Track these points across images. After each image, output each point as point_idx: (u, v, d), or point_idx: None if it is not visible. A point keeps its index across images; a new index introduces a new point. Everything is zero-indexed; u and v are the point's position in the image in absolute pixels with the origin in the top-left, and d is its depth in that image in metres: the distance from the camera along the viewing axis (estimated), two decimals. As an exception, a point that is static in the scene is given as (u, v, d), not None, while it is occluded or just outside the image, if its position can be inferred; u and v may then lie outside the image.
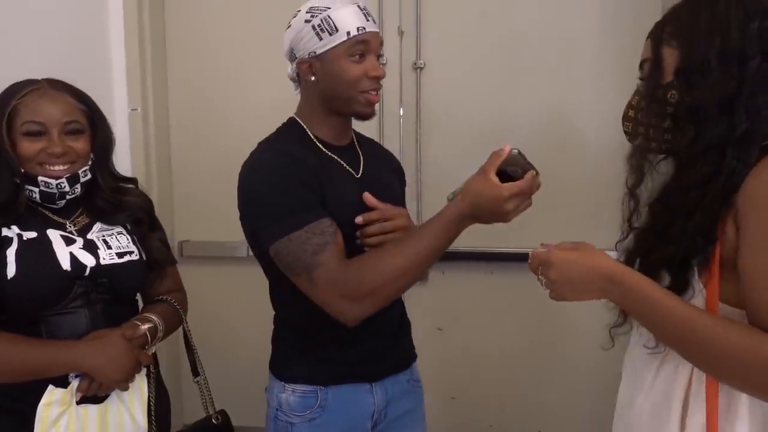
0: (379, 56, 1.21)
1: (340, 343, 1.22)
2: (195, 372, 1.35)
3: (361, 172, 1.25)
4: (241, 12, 2.10)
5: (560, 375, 2.13)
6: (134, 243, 1.25)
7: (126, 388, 1.16)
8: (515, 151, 1.06)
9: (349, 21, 1.14)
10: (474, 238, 2.08)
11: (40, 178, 1.15)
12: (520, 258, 1.98)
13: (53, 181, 1.15)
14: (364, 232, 1.18)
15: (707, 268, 0.85)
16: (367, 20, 1.17)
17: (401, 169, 1.44)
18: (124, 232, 1.25)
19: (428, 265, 1.14)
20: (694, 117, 0.84)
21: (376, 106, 1.22)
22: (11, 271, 1.10)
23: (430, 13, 2.04)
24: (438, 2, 2.04)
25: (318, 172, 1.16)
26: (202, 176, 2.15)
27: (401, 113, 2.07)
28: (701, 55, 0.83)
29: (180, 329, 1.34)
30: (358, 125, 1.31)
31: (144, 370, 1.21)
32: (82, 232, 1.20)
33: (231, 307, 2.12)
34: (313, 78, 1.18)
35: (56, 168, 1.15)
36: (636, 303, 0.85)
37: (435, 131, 2.08)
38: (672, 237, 0.86)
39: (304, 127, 1.23)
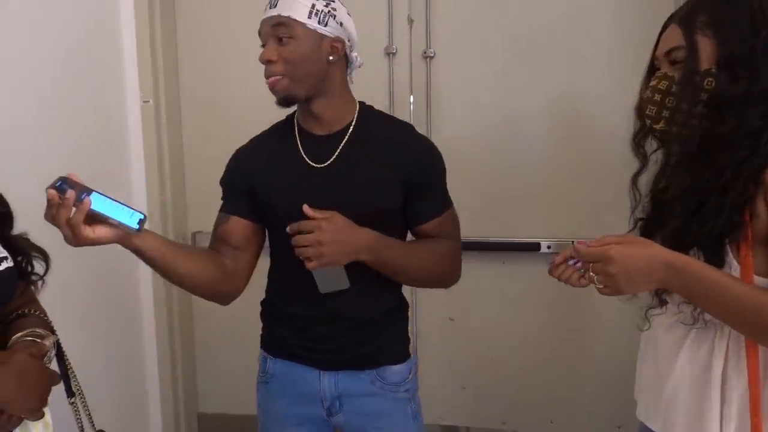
0: (279, 39, 1.17)
1: (292, 325, 1.28)
2: (70, 392, 1.06)
3: (329, 162, 1.21)
4: (253, 3, 2.09)
5: (572, 365, 2.13)
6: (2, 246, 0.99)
7: (41, 416, 0.95)
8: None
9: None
10: (485, 228, 2.11)
11: None
12: (532, 248, 2.04)
13: None
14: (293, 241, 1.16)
15: (742, 244, 0.90)
16: (266, 9, 1.20)
17: (418, 163, 1.26)
18: None
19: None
20: (737, 105, 0.90)
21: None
22: None
23: (441, 1, 2.03)
24: (448, -10, 2.03)
25: (254, 172, 1.25)
26: (215, 167, 2.14)
27: (411, 102, 2.06)
28: (746, 48, 0.89)
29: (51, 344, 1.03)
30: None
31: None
32: None
33: (243, 294, 2.13)
34: None
35: None
36: (701, 288, 0.89)
37: (445, 120, 2.07)
38: (706, 215, 0.91)
39: (296, 117, 1.29)
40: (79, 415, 1.07)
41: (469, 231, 2.10)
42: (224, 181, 1.31)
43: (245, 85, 2.18)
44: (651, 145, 1.06)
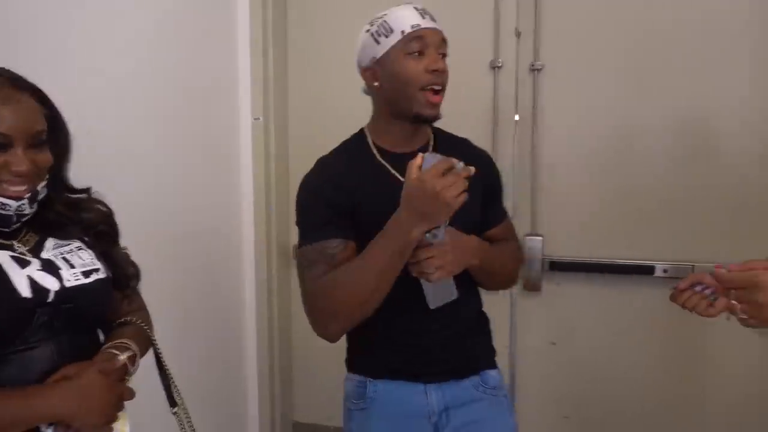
0: (443, 55, 1.20)
1: (393, 343, 1.26)
2: (172, 401, 1.11)
3: None
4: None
5: (689, 408, 1.94)
6: (98, 258, 1.05)
7: None
8: (427, 154, 1.06)
9: (403, 20, 1.18)
10: (595, 249, 2.00)
11: None
12: (646, 271, 1.89)
13: (13, 203, 0.94)
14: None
15: None
16: (423, 18, 1.19)
17: (490, 171, 1.34)
18: (84, 247, 1.04)
19: (383, 282, 1.11)
20: None
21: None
22: None
23: (550, 11, 1.96)
24: (558, 1, 1.95)
25: (354, 189, 1.21)
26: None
27: (516, 118, 2.00)
28: None
29: (150, 353, 1.12)
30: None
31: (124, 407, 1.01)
32: (35, 251, 1.00)
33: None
34: (376, 83, 1.22)
35: (17, 189, 0.94)
36: None
37: (552, 136, 1.99)
38: None
39: (368, 136, 1.28)
40: (183, 425, 1.11)
41: (574, 251, 2.02)
42: (322, 202, 1.21)
43: (351, 104, 2.22)
44: None
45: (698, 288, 0.95)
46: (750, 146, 1.78)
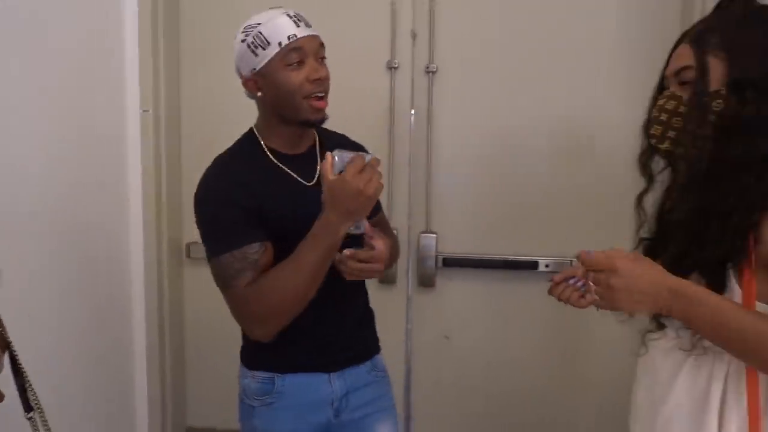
0: (322, 58, 1.23)
1: (298, 336, 1.27)
2: (27, 406, 1.01)
3: (315, 178, 1.27)
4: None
5: (568, 389, 2.10)
6: None
7: None
8: (335, 153, 1.11)
9: (278, 32, 1.18)
10: (483, 245, 2.10)
11: None
12: (528, 266, 2.02)
13: None
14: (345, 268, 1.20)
15: (745, 269, 0.89)
16: (298, 26, 1.20)
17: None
18: None
19: (317, 279, 1.15)
20: (746, 129, 0.88)
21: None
22: None
23: (444, 16, 2.03)
24: (452, 5, 2.02)
25: (258, 190, 1.21)
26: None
27: (412, 118, 2.05)
28: (759, 72, 0.88)
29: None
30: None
31: None
32: None
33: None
34: (259, 93, 1.24)
35: None
36: (702, 315, 0.87)
37: (446, 136, 2.06)
38: (707, 240, 0.89)
39: (259, 138, 1.28)
40: (38, 430, 1.02)
41: (466, 248, 2.11)
42: (231, 209, 1.19)
43: (246, 99, 2.19)
44: (658, 164, 1.04)
45: (572, 281, 1.03)
46: (619, 148, 1.92)
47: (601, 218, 1.97)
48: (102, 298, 1.93)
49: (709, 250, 0.90)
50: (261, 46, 1.19)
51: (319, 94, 1.21)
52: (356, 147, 1.38)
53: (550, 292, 1.06)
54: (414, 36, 2.03)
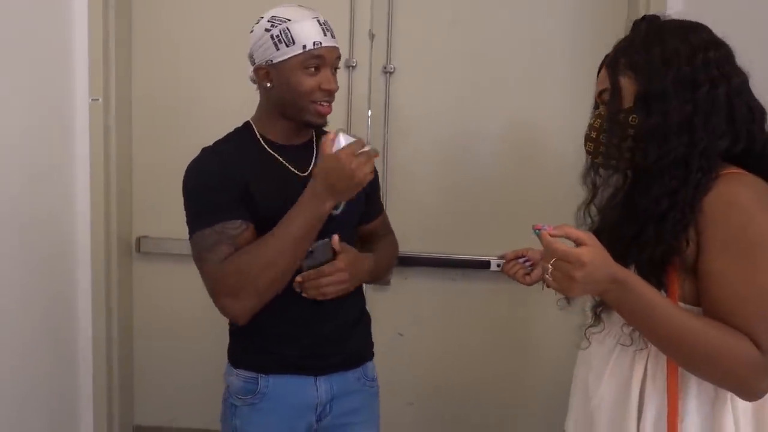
0: (335, 69, 1.26)
1: (285, 336, 1.27)
2: None
3: (310, 170, 1.26)
4: (209, 8, 2.07)
5: (516, 382, 2.15)
6: None
7: None
8: (340, 132, 1.15)
9: (306, 35, 1.20)
10: (437, 244, 2.12)
11: None
12: (480, 265, 2.06)
13: None
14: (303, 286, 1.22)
15: (671, 269, 0.95)
16: (325, 35, 1.22)
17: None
18: None
19: (298, 253, 1.16)
20: (657, 137, 0.95)
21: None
22: None
23: (402, 17, 2.04)
24: (409, 7, 2.04)
25: (249, 171, 1.21)
26: (164, 171, 2.09)
27: (369, 116, 2.06)
28: (659, 85, 0.96)
29: None
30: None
31: None
32: None
33: (187, 304, 2.07)
34: (268, 84, 1.24)
35: None
36: (637, 307, 0.91)
37: (402, 136, 2.08)
38: (646, 243, 0.95)
39: (254, 127, 1.29)
40: None
41: (420, 247, 2.13)
42: (216, 185, 1.19)
43: (199, 90, 2.15)
44: (602, 174, 1.10)
45: (521, 260, 1.25)
46: (566, 152, 2.00)
47: (552, 220, 2.02)
48: (46, 294, 1.87)
49: (647, 252, 0.95)
50: (285, 43, 1.19)
51: (326, 102, 1.24)
52: None
53: (502, 268, 1.22)
54: (372, 37, 2.04)
